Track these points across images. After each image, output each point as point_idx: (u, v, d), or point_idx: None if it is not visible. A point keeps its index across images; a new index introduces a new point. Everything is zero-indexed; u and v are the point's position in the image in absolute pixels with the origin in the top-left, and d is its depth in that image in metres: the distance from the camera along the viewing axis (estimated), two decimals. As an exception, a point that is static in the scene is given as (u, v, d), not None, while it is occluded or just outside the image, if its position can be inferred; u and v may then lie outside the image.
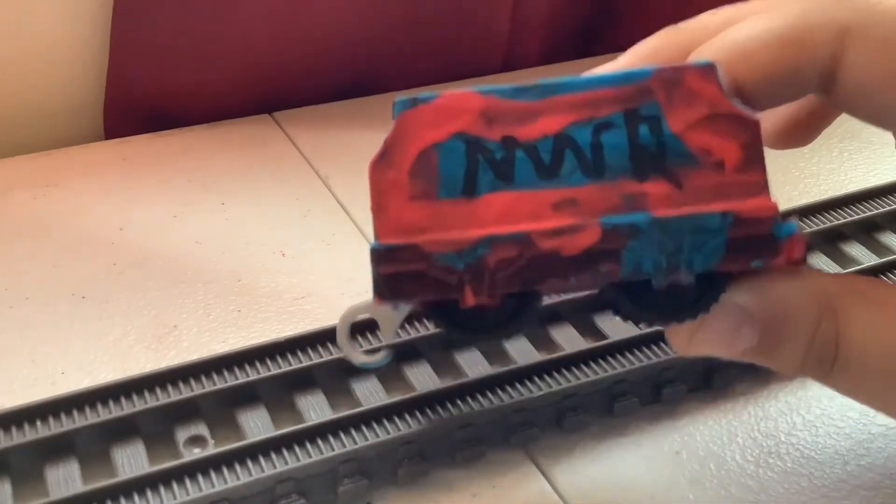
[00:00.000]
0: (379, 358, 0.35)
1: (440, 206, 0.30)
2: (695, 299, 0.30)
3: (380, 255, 0.30)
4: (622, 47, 0.76)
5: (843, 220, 0.49)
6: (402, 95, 0.30)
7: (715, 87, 0.29)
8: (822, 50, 0.29)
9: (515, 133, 0.30)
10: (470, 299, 0.30)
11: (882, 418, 0.40)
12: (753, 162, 0.29)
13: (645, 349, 0.40)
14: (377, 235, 0.30)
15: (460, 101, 0.30)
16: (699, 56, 0.31)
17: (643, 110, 0.29)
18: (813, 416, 0.40)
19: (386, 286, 0.30)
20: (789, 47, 0.30)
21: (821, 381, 0.30)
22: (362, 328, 0.41)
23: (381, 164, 0.30)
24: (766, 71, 0.30)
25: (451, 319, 0.31)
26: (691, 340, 0.31)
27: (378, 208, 0.30)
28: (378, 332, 0.39)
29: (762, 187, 0.29)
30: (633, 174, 0.29)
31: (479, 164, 0.30)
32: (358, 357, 0.35)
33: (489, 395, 0.39)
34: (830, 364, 0.30)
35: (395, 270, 0.30)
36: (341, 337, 0.34)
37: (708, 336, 0.31)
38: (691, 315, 0.30)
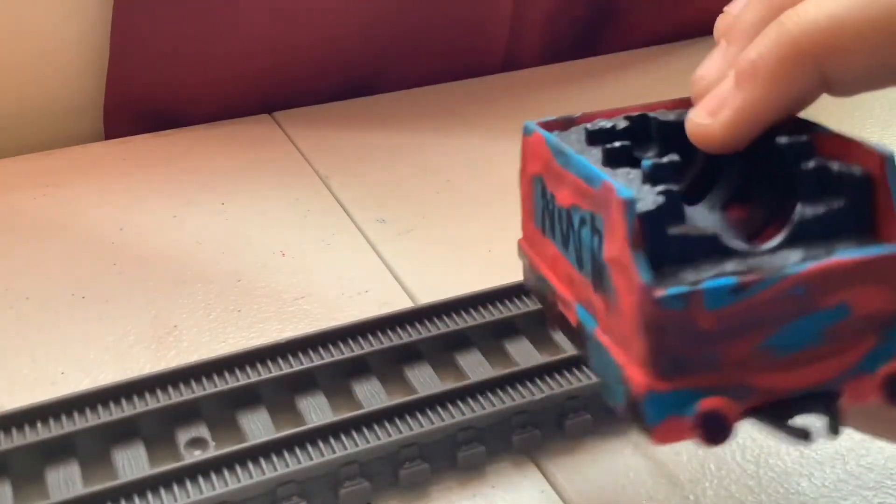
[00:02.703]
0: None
1: (535, 230, 0.33)
2: None
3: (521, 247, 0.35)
4: (622, 47, 0.76)
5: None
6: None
7: (623, 232, 0.27)
8: None
9: (554, 192, 0.31)
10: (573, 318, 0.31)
11: (882, 419, 0.40)
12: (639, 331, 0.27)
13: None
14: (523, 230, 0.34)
15: (538, 143, 0.32)
16: (783, 25, 0.28)
17: (597, 223, 0.29)
18: (813, 416, 0.40)
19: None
20: (887, 33, 0.27)
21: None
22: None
23: (524, 171, 0.34)
24: (858, 57, 0.27)
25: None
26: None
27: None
28: None
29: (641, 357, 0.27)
30: (592, 281, 0.29)
31: (545, 209, 0.32)
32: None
33: (490, 396, 0.39)
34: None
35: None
36: None
37: (863, 418, 0.31)
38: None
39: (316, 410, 0.38)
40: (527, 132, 0.33)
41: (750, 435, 0.39)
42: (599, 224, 0.29)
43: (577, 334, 0.30)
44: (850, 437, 0.39)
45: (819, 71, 0.28)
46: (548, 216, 0.32)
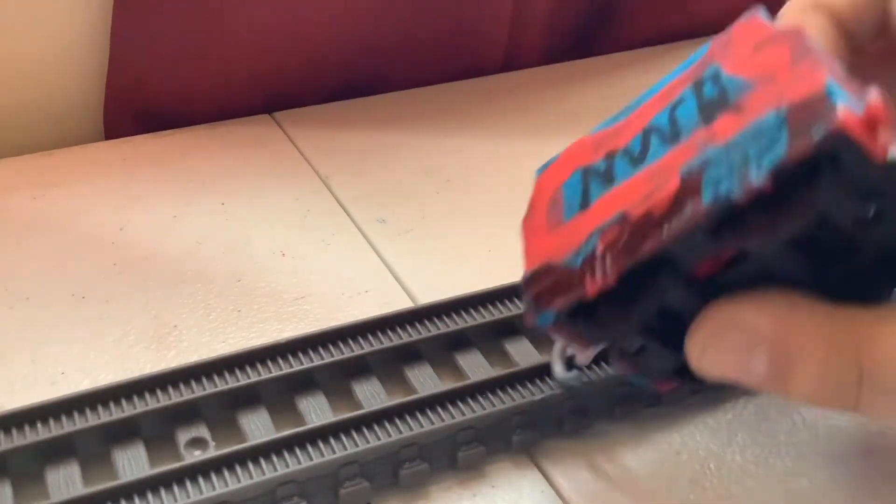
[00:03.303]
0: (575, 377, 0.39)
1: (566, 227, 0.33)
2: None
3: (527, 282, 0.34)
4: (622, 47, 0.76)
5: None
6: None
7: (759, 22, 0.31)
8: None
9: (613, 146, 0.33)
10: (590, 288, 0.31)
11: (882, 419, 0.40)
12: (801, 56, 0.29)
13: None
14: (525, 271, 0.34)
15: (576, 147, 0.34)
16: None
17: (706, 74, 0.32)
18: (813, 416, 0.40)
19: (530, 307, 0.33)
20: None
21: (848, 408, 0.29)
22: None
23: (526, 220, 0.35)
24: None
25: (590, 320, 0.33)
26: (705, 360, 0.31)
27: (525, 253, 0.34)
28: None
29: (814, 71, 0.28)
30: (703, 123, 0.30)
31: (590, 183, 0.33)
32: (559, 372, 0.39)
33: (490, 396, 0.39)
34: (856, 388, 0.29)
35: (537, 291, 0.33)
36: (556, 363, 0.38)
37: (719, 354, 0.30)
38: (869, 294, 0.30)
39: (316, 410, 0.38)
40: (545, 167, 0.36)
41: (750, 435, 0.39)
42: (710, 72, 0.31)
43: (681, 198, 0.30)
44: (850, 436, 0.39)
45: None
46: (599, 179, 0.33)
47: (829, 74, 0.28)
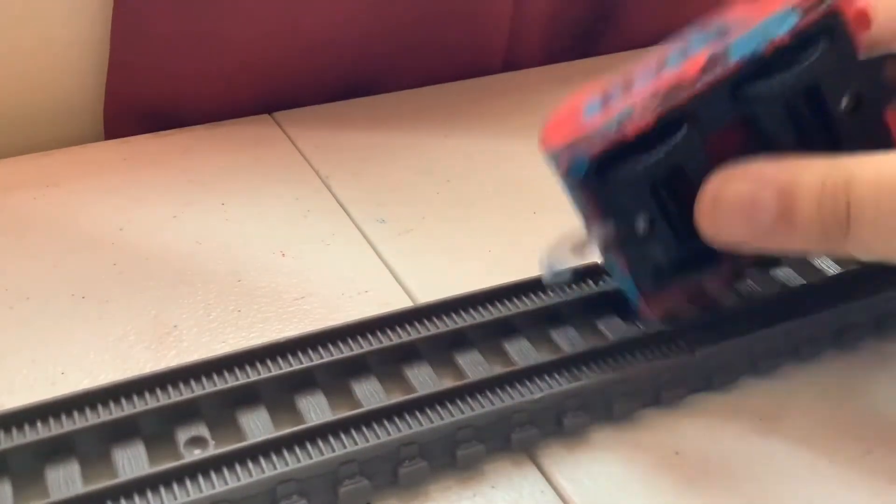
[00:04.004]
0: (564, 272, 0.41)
1: (588, 119, 0.36)
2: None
3: (556, 154, 0.36)
4: (622, 47, 0.76)
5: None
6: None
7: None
8: None
9: (628, 83, 0.38)
10: (630, 129, 0.35)
11: (882, 418, 0.40)
12: None
13: (646, 350, 0.40)
14: (550, 149, 0.37)
15: (575, 99, 0.38)
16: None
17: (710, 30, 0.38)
18: (813, 416, 0.40)
19: (564, 157, 0.36)
20: None
21: (839, 244, 0.34)
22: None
23: (544, 130, 0.37)
24: None
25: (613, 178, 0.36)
26: (714, 214, 0.35)
27: (545, 144, 0.37)
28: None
29: None
30: (715, 38, 0.37)
31: (608, 97, 0.37)
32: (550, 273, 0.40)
33: (490, 395, 0.39)
34: (846, 221, 0.33)
35: (570, 146, 0.36)
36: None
37: (729, 205, 0.35)
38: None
39: (315, 409, 0.38)
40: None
41: (750, 435, 0.39)
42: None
43: (714, 57, 0.36)
44: (850, 437, 0.39)
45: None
46: (616, 92, 0.38)
47: None
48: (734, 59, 0.35)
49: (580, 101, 0.38)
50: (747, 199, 0.35)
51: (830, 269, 0.45)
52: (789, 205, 0.34)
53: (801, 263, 0.45)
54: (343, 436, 0.37)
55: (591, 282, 0.44)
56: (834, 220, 0.34)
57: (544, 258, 0.39)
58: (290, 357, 0.40)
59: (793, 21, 0.35)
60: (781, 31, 0.35)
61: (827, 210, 0.34)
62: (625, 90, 0.37)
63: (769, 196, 0.34)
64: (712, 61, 0.35)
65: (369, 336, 0.41)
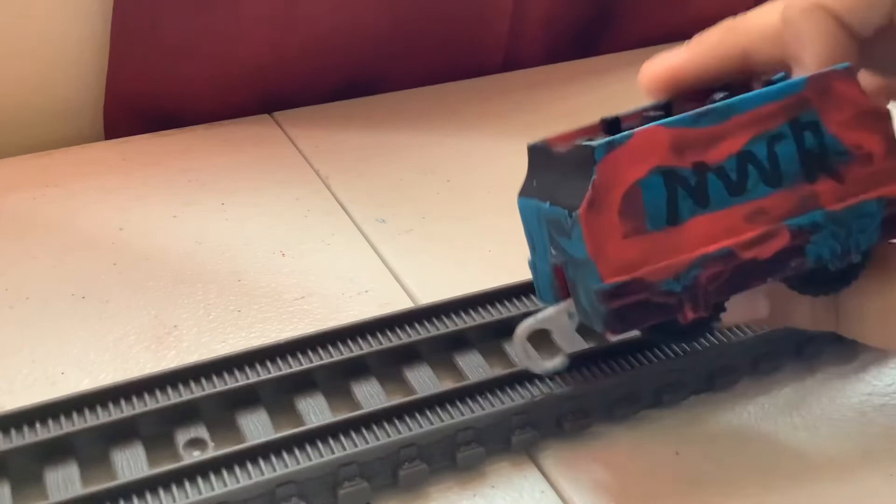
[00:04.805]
0: (561, 363, 0.38)
1: (651, 238, 0.33)
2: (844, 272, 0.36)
3: (609, 294, 0.33)
4: (622, 47, 0.76)
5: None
6: (598, 141, 0.33)
7: (856, 88, 0.34)
8: None
9: (704, 158, 0.33)
10: (690, 314, 0.33)
11: (882, 418, 0.40)
12: (893, 149, 0.34)
13: (648, 353, 0.40)
14: (602, 277, 0.33)
15: (651, 136, 0.33)
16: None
17: (804, 118, 0.34)
18: (813, 417, 0.40)
19: (616, 319, 0.33)
20: None
21: (831, 330, 0.37)
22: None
23: (592, 210, 0.33)
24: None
25: (662, 331, 0.35)
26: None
27: (597, 251, 0.33)
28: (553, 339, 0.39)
29: None
30: (805, 177, 0.34)
31: (677, 194, 0.33)
32: (541, 366, 0.38)
33: (490, 397, 0.39)
34: (835, 323, 0.37)
35: (623, 304, 0.33)
36: (519, 352, 0.37)
37: (732, 314, 0.36)
38: (854, 277, 0.36)
39: (315, 411, 0.38)
40: (609, 147, 0.33)
41: (750, 436, 0.39)
42: (809, 117, 0.34)
43: (787, 251, 0.34)
44: (850, 437, 0.39)
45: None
46: (689, 194, 0.33)
47: None
48: (810, 263, 0.34)
49: (639, 168, 0.33)
50: (747, 305, 0.37)
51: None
52: (786, 312, 0.38)
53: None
54: (343, 437, 0.37)
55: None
56: (824, 324, 0.37)
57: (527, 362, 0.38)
58: (289, 358, 0.40)
59: (872, 238, 0.35)
60: (857, 253, 0.35)
61: (819, 321, 0.37)
62: (699, 196, 0.33)
63: (764, 301, 0.38)
64: (791, 249, 0.34)
65: (369, 337, 0.41)
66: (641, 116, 0.36)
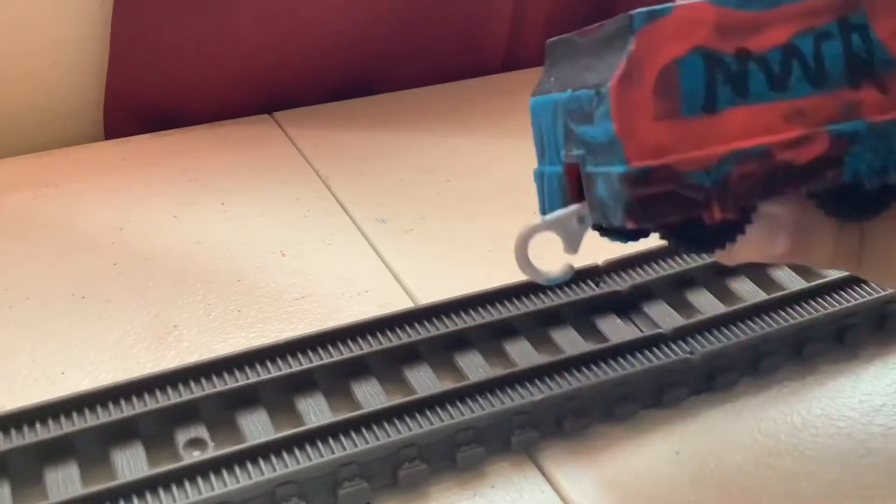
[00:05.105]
0: (565, 272, 0.34)
1: (684, 124, 0.30)
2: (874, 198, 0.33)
3: (634, 179, 0.30)
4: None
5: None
6: (640, 8, 0.30)
7: None
8: None
9: (748, 44, 0.31)
10: (718, 214, 0.31)
11: (882, 418, 0.40)
12: None
13: (647, 352, 0.40)
14: (628, 159, 0.30)
15: (695, 12, 0.30)
16: None
17: (853, 19, 0.31)
18: (813, 416, 0.40)
19: (640, 209, 0.30)
20: None
21: (850, 271, 0.35)
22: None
23: (625, 83, 0.30)
24: None
25: (681, 236, 0.32)
26: (732, 250, 0.33)
27: (625, 130, 0.30)
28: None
29: None
30: (849, 83, 0.31)
31: (716, 79, 0.31)
32: (544, 275, 0.34)
33: (490, 397, 0.39)
34: (858, 261, 0.34)
35: (648, 193, 0.30)
36: (521, 259, 0.33)
37: (748, 245, 0.33)
38: (876, 212, 0.34)
39: (315, 411, 0.38)
40: (650, 17, 0.30)
41: (750, 436, 0.39)
42: (858, 19, 0.31)
43: (824, 159, 0.31)
44: (850, 437, 0.39)
45: None
46: (728, 81, 0.31)
47: None
48: (847, 177, 0.32)
49: (679, 45, 0.31)
50: (764, 238, 0.35)
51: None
52: (805, 244, 0.35)
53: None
54: (343, 437, 0.37)
55: (590, 283, 0.44)
56: (846, 260, 0.35)
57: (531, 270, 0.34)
58: (289, 358, 0.40)
59: None
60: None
61: (842, 252, 0.35)
62: (738, 84, 0.31)
63: (783, 237, 0.35)
64: (829, 158, 0.32)
65: (369, 337, 0.41)
66: None
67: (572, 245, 0.33)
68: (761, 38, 0.31)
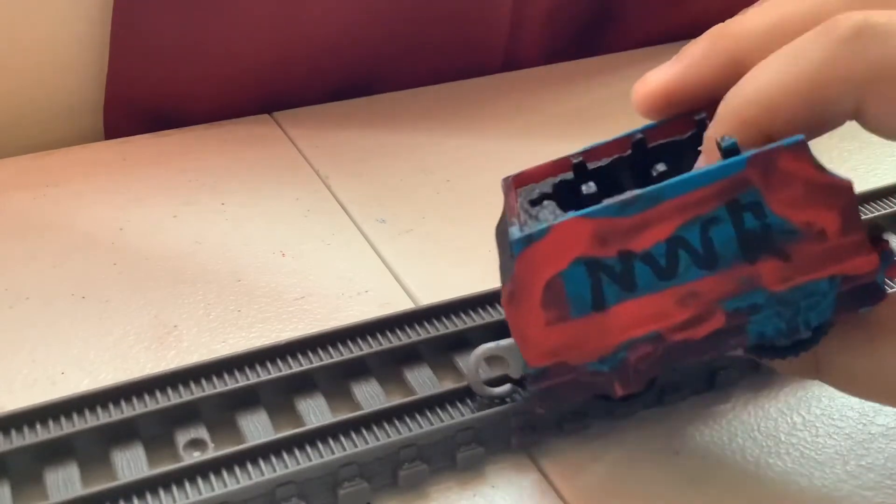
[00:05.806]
0: (503, 392, 0.38)
1: (576, 324, 0.32)
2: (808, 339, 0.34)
3: (534, 377, 0.34)
4: (622, 47, 0.76)
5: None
6: (516, 234, 0.33)
7: (807, 163, 0.31)
8: (843, 105, 0.30)
9: (629, 246, 0.32)
10: (619, 391, 0.34)
11: (882, 418, 0.40)
12: (852, 224, 0.31)
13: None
14: (527, 362, 0.33)
15: (571, 229, 0.32)
16: (729, 102, 0.32)
17: (744, 199, 0.31)
18: (813, 416, 0.40)
19: (546, 398, 0.34)
20: (812, 105, 0.31)
21: (812, 379, 0.36)
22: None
23: (512, 303, 0.33)
24: (792, 123, 0.31)
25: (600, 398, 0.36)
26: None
27: (522, 339, 0.33)
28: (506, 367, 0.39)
29: (863, 245, 0.32)
30: (745, 259, 0.32)
31: (602, 281, 0.32)
32: (486, 392, 0.38)
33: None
34: (816, 372, 0.35)
35: (550, 384, 0.34)
36: (472, 372, 0.38)
37: None
38: (805, 350, 0.34)
39: (315, 412, 0.38)
40: (528, 241, 0.32)
41: (750, 435, 0.39)
42: (750, 198, 0.31)
43: (724, 331, 0.32)
44: (850, 437, 0.39)
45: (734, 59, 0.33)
46: (614, 281, 0.32)
47: (878, 258, 0.32)
48: (751, 342, 0.33)
49: (559, 260, 0.32)
50: None
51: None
52: None
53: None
54: (343, 438, 0.37)
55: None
56: None
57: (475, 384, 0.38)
58: (289, 359, 0.40)
59: (825, 315, 0.33)
60: (807, 329, 0.33)
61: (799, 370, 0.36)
62: (625, 281, 0.32)
63: None
64: (728, 329, 0.33)
65: (369, 338, 0.41)
66: (611, 153, 0.35)
67: (516, 370, 0.38)
68: (643, 237, 0.32)
